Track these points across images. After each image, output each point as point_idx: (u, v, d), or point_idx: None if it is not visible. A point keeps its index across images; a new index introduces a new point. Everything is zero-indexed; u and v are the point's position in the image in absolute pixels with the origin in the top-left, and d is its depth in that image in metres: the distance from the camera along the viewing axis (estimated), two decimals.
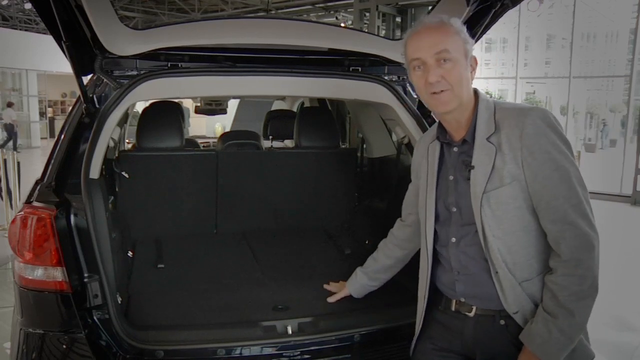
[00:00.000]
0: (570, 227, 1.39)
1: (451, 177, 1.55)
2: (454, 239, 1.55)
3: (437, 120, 1.62)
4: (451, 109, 1.49)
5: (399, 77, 2.58)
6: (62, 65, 2.45)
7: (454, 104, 1.47)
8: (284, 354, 1.92)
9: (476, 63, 1.50)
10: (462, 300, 1.56)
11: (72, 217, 1.81)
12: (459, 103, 1.48)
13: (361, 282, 2.07)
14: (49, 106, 21.02)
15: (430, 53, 1.44)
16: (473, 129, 1.49)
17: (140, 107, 3.68)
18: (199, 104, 6.09)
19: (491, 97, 1.61)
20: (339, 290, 2.16)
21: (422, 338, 1.68)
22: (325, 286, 2.23)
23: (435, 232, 1.60)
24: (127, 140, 4.67)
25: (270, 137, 3.74)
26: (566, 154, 1.42)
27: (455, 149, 1.55)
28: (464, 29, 1.48)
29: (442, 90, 1.45)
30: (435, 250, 1.61)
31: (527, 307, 1.47)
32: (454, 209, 1.54)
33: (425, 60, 1.45)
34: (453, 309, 1.59)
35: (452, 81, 1.44)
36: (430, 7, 2.27)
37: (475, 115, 1.50)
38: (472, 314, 1.54)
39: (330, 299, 2.14)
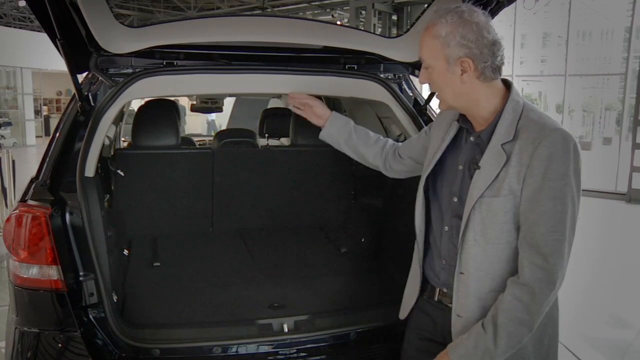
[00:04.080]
0: (540, 258, 1.35)
1: (460, 167, 1.53)
2: (446, 228, 1.55)
3: None
4: (445, 109, 1.54)
5: (395, 75, 2.58)
6: (57, 63, 2.44)
7: (444, 106, 1.52)
8: (280, 352, 1.92)
9: (469, 65, 1.39)
10: (445, 290, 1.57)
11: (67, 216, 1.81)
12: (448, 105, 1.50)
13: (342, 133, 1.95)
14: (44, 104, 20.92)
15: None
16: (493, 128, 1.44)
17: (136, 105, 3.67)
18: (194, 102, 6.09)
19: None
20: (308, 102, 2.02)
21: (409, 328, 1.72)
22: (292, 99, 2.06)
23: (434, 216, 1.60)
24: (122, 139, 4.66)
25: (266, 135, 3.73)
26: (570, 187, 1.35)
27: (472, 138, 1.52)
28: (452, 29, 1.38)
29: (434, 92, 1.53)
30: (431, 235, 1.62)
31: (471, 317, 1.46)
32: (455, 199, 1.53)
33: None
34: (436, 299, 1.60)
35: (432, 86, 1.50)
36: (425, 5, 2.26)
37: (500, 114, 1.44)
38: (452, 306, 1.53)
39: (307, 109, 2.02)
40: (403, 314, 1.75)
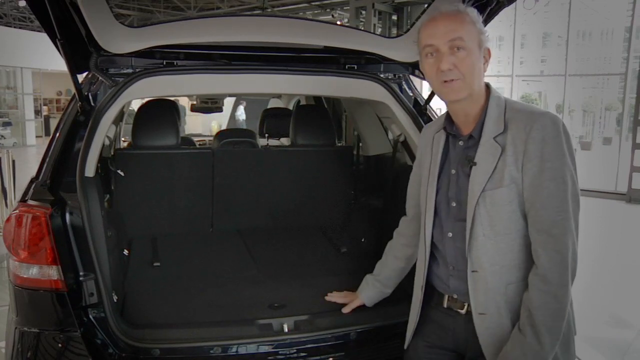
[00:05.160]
0: (553, 241, 1.37)
1: (453, 171, 1.54)
2: (450, 234, 1.54)
3: (446, 110, 1.59)
4: (461, 98, 1.47)
5: (395, 75, 2.58)
6: (57, 63, 2.44)
7: (464, 94, 1.46)
8: (280, 352, 1.92)
9: (490, 55, 1.48)
10: (455, 297, 1.56)
11: (67, 216, 1.81)
12: (469, 93, 1.46)
13: (374, 289, 2.00)
14: (44, 104, 20.92)
15: (444, 40, 1.43)
16: (481, 126, 1.47)
17: (136, 105, 3.67)
18: (194, 102, 6.09)
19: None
20: (347, 301, 2.07)
21: (414, 335, 1.69)
22: (329, 298, 2.14)
23: (434, 225, 1.59)
24: (122, 139, 4.67)
25: (266, 135, 3.73)
26: (568, 166, 1.38)
27: (460, 142, 1.53)
28: (480, 19, 1.47)
29: (452, 80, 1.44)
30: (432, 244, 1.61)
31: (494, 312, 1.46)
32: (454, 204, 1.53)
33: (439, 47, 1.44)
34: (445, 305, 1.59)
35: (464, 70, 1.43)
36: (425, 5, 2.26)
37: (485, 111, 1.48)
38: (463, 311, 1.53)
39: (345, 310, 2.05)
40: (407, 342, 1.71)
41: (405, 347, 1.72)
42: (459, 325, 1.55)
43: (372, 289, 2.01)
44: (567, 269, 1.38)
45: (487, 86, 1.52)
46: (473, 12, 1.46)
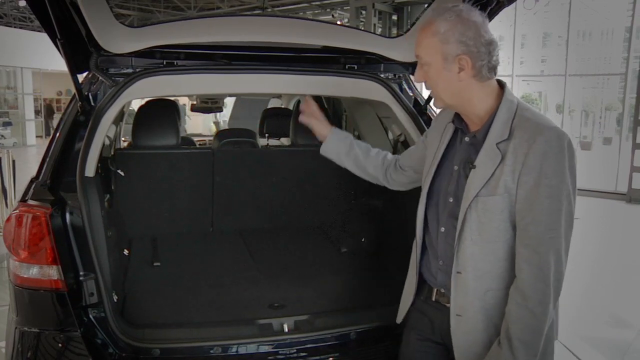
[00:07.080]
0: (537, 257, 1.36)
1: (455, 167, 1.54)
2: (443, 229, 1.55)
3: None
4: (441, 106, 1.55)
5: (395, 75, 2.57)
6: (57, 63, 2.44)
7: (440, 104, 1.52)
8: (280, 352, 1.92)
9: (467, 63, 1.40)
10: (442, 291, 1.57)
11: (67, 216, 1.81)
12: (443, 103, 1.51)
13: (344, 145, 1.93)
14: (45, 104, 20.91)
15: (415, 55, 1.50)
16: (487, 128, 1.45)
17: (136, 105, 3.67)
18: (195, 102, 6.10)
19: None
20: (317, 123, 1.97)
21: (407, 328, 1.72)
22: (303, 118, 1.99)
23: (432, 216, 1.60)
24: (123, 139, 4.67)
25: (267, 135, 3.74)
26: (566, 185, 1.35)
27: (467, 138, 1.52)
28: (451, 26, 1.39)
29: (431, 90, 1.52)
30: (427, 235, 1.62)
31: (470, 316, 1.46)
32: (451, 199, 1.53)
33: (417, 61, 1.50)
34: (434, 299, 1.60)
35: (430, 84, 1.49)
36: (426, 5, 2.26)
37: (494, 114, 1.44)
38: (449, 305, 1.53)
39: (302, 117, 1.97)
40: (400, 317, 1.75)
41: (398, 321, 1.74)
42: (446, 320, 1.55)
43: (340, 143, 1.94)
44: (548, 287, 1.36)
45: (502, 87, 1.49)
46: (442, 21, 1.40)
